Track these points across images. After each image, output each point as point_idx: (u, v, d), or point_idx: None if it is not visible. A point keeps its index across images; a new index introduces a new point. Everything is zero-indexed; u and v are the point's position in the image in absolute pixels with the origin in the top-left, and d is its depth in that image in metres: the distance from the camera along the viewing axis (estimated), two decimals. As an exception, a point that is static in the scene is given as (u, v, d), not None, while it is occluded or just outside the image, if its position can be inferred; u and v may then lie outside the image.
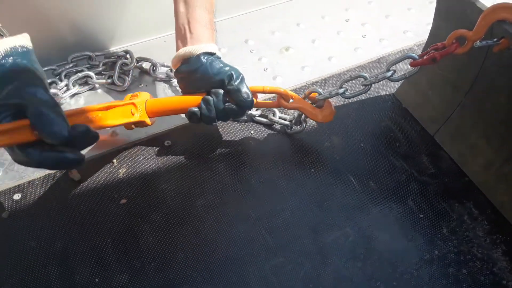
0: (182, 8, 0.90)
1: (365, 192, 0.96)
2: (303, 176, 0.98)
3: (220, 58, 0.91)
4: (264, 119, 1.07)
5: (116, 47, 1.24)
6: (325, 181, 0.98)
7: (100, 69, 1.15)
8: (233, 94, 0.86)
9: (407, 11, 1.41)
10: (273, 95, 1.09)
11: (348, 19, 1.38)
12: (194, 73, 0.87)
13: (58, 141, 0.63)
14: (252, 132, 1.06)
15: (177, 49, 0.91)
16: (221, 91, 0.86)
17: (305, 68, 1.22)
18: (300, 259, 0.86)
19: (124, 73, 1.16)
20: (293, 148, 1.04)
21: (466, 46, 0.82)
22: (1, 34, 0.75)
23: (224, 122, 1.07)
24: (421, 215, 0.92)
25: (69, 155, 0.65)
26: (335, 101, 1.12)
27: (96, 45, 1.21)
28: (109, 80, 1.14)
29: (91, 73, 1.13)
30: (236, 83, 0.85)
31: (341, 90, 0.92)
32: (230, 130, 1.06)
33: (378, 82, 0.88)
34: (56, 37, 1.15)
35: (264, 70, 1.21)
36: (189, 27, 0.89)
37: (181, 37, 0.90)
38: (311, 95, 0.95)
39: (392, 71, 0.87)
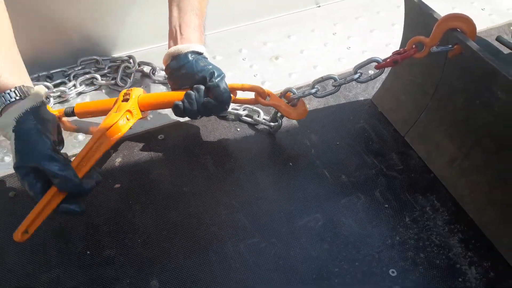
0: (175, 12, 1.02)
1: (337, 184, 1.05)
2: (282, 169, 1.08)
3: (206, 58, 1.01)
4: (249, 119, 1.17)
5: (121, 53, 1.37)
6: (301, 174, 1.07)
7: (106, 71, 1.28)
8: (212, 89, 0.96)
9: (391, 26, 1.52)
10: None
11: (335, 33, 1.49)
12: (181, 69, 0.98)
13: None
14: (238, 129, 1.17)
15: (169, 47, 1.02)
16: (202, 87, 0.97)
17: (292, 75, 1.33)
18: (273, 239, 0.95)
19: (126, 76, 1.28)
20: (274, 145, 1.14)
21: (424, 51, 0.92)
22: (22, 97, 0.84)
23: (214, 120, 1.18)
24: (386, 205, 1.01)
25: (73, 207, 0.83)
26: (316, 104, 1.23)
27: (103, 51, 1.34)
28: (113, 81, 1.26)
29: (97, 75, 1.26)
30: (216, 80, 0.95)
31: (313, 90, 1.02)
32: (218, 127, 1.17)
33: (347, 83, 0.98)
34: (68, 43, 1.28)
35: (254, 76, 1.33)
36: (180, 30, 1.00)
37: (173, 38, 1.02)
38: (286, 94, 1.05)
39: (359, 74, 0.97)
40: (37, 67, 1.24)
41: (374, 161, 1.09)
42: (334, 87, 1.01)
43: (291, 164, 1.09)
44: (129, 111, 0.97)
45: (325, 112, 1.21)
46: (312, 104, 1.23)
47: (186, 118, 1.13)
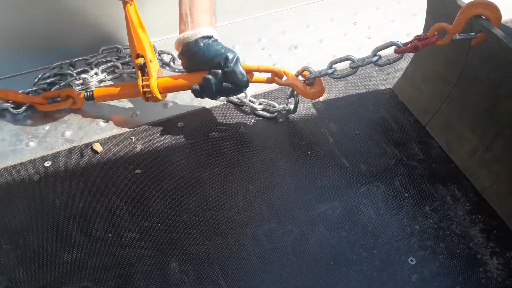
0: None
1: (356, 173, 1.04)
2: (300, 157, 1.08)
3: (217, 40, 1.01)
4: (265, 113, 1.17)
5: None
6: (320, 162, 1.07)
7: (127, 60, 1.30)
8: (229, 75, 0.97)
9: (412, 16, 1.50)
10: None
11: (356, 22, 1.48)
12: (194, 56, 0.99)
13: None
14: (252, 120, 1.17)
15: (180, 32, 1.02)
16: (220, 72, 0.97)
17: (311, 63, 1.32)
18: (290, 226, 0.95)
19: (147, 64, 1.29)
20: (292, 133, 1.14)
21: (446, 38, 0.91)
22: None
23: (233, 108, 1.19)
24: (406, 195, 1.00)
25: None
26: (335, 93, 1.22)
27: (125, 40, 1.35)
28: (133, 70, 1.28)
29: (118, 63, 1.28)
30: (231, 65, 0.96)
31: (330, 70, 1.01)
32: (237, 116, 1.18)
33: (365, 65, 0.97)
34: (90, 31, 1.30)
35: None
36: (190, 13, 1.00)
37: (183, 22, 1.01)
38: (303, 73, 1.05)
39: (378, 56, 0.96)
40: (60, 55, 1.27)
41: (394, 150, 1.08)
42: (351, 69, 1.00)
43: (309, 152, 1.09)
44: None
45: (344, 101, 1.21)
46: (331, 93, 1.22)
47: (204, 105, 1.16)
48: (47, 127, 1.15)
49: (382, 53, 0.97)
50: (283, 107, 1.16)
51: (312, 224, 0.95)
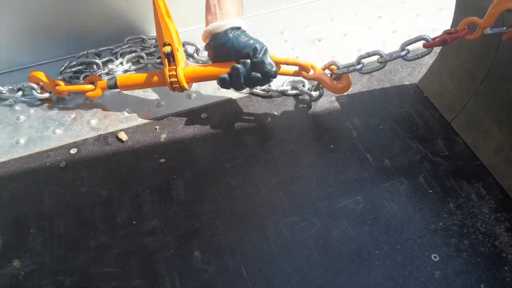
0: None
1: (379, 168, 1.04)
2: (322, 151, 1.08)
3: (245, 31, 1.01)
4: (293, 91, 1.18)
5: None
6: (343, 156, 1.06)
7: (151, 50, 1.31)
8: (258, 65, 0.97)
9: (438, 11, 1.47)
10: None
11: (380, 16, 1.46)
12: (222, 47, 1.00)
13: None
14: (275, 113, 1.17)
15: (206, 24, 1.02)
16: (248, 61, 0.98)
17: (335, 57, 1.30)
18: (312, 219, 0.95)
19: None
20: (315, 126, 1.14)
21: (476, 32, 0.89)
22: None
23: (255, 101, 1.19)
24: (430, 191, 0.99)
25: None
26: (359, 87, 1.21)
27: (149, 30, 1.37)
28: (158, 60, 1.29)
29: (143, 54, 1.29)
30: (260, 55, 0.97)
31: (359, 66, 1.00)
32: (260, 108, 1.18)
33: (393, 60, 0.96)
34: (115, 21, 1.31)
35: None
36: (219, 4, 1.00)
37: (211, 13, 1.01)
38: (330, 67, 1.05)
39: (406, 51, 0.95)
40: (86, 44, 1.29)
41: (418, 146, 1.07)
42: (379, 64, 0.99)
43: (332, 146, 1.09)
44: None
45: (368, 95, 1.20)
46: (355, 87, 1.21)
47: (227, 97, 1.17)
48: (73, 115, 1.17)
49: (410, 47, 0.96)
50: (307, 90, 1.17)
51: (335, 217, 0.95)
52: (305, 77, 1.06)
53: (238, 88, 1.03)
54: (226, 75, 1.00)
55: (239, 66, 0.98)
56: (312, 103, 1.18)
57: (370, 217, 0.95)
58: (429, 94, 1.18)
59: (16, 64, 1.29)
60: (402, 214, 0.95)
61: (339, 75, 1.04)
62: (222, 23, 0.99)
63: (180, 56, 1.06)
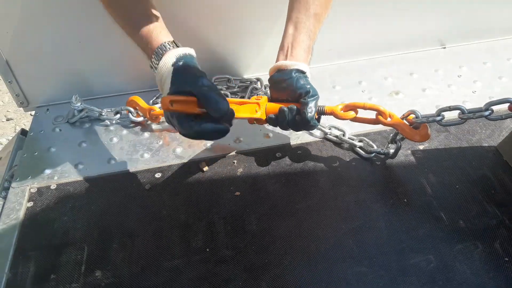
0: (290, 30, 1.10)
1: (454, 228, 1.02)
2: (395, 204, 1.08)
3: (307, 77, 1.08)
4: (363, 152, 1.20)
5: (251, 75, 1.49)
6: (416, 212, 1.06)
7: (235, 89, 1.40)
8: (302, 106, 1.03)
9: (522, 74, 1.46)
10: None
11: (461, 75, 1.47)
12: (283, 82, 1.06)
13: (220, 115, 0.88)
14: (347, 160, 1.20)
15: (277, 60, 1.10)
16: (295, 107, 1.05)
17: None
18: (381, 272, 0.95)
19: (253, 96, 1.39)
20: (389, 178, 1.15)
21: None
22: (177, 45, 1.02)
23: (329, 146, 1.23)
24: (506, 259, 0.96)
25: (223, 126, 0.91)
26: (436, 144, 1.22)
27: (236, 71, 1.47)
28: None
29: (228, 92, 1.38)
30: (308, 99, 1.03)
31: (438, 118, 1.01)
32: (333, 153, 1.22)
33: (475, 118, 0.96)
34: (206, 60, 1.42)
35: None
36: (292, 47, 1.08)
37: (284, 53, 1.09)
38: (408, 116, 1.06)
39: (490, 111, 0.95)
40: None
41: (496, 210, 1.05)
42: (460, 119, 1.00)
43: (405, 200, 1.09)
44: (258, 104, 1.09)
45: (445, 153, 1.20)
46: (432, 143, 1.22)
47: (302, 139, 1.26)
48: (161, 142, 1.27)
49: (494, 108, 0.96)
50: (381, 149, 1.18)
51: (404, 273, 0.95)
52: (383, 123, 1.08)
53: (284, 129, 1.09)
54: (274, 116, 1.07)
55: (285, 109, 1.05)
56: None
57: (441, 278, 0.94)
58: (509, 158, 1.16)
59: (115, 90, 1.43)
60: (475, 279, 0.93)
61: (417, 125, 1.06)
62: (291, 63, 1.07)
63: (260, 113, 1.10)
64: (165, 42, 1.00)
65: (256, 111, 1.09)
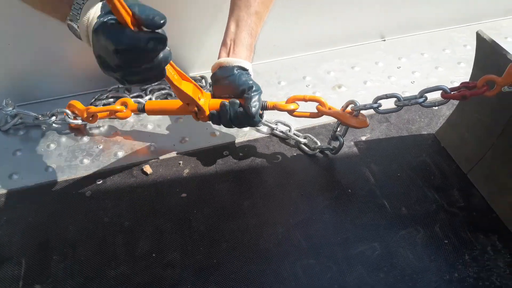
0: (232, 28, 1.10)
1: (396, 215, 1.05)
2: (340, 195, 1.10)
3: (250, 75, 1.08)
4: (306, 148, 1.21)
5: (195, 73, 1.47)
6: (360, 201, 1.09)
7: (179, 88, 1.37)
8: (245, 101, 1.03)
9: (457, 64, 1.52)
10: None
11: (400, 67, 1.52)
12: (224, 79, 1.06)
13: (157, 26, 0.72)
14: (294, 154, 1.21)
15: (219, 57, 1.10)
16: (237, 101, 1.05)
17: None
18: (329, 263, 0.96)
19: (197, 93, 1.37)
20: (333, 170, 1.17)
21: (494, 90, 0.93)
22: None
23: (276, 142, 1.23)
24: (446, 241, 1.00)
25: (162, 33, 0.73)
26: (377, 134, 1.25)
27: (182, 69, 1.43)
28: (184, 98, 1.35)
29: (172, 92, 1.35)
30: (251, 94, 1.03)
31: (375, 105, 1.04)
32: (280, 149, 1.22)
33: (410, 105, 1.00)
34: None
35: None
36: (234, 44, 1.09)
37: (226, 50, 1.10)
38: (347, 107, 1.09)
39: (424, 98, 0.99)
40: (118, 79, 1.35)
41: (435, 196, 1.09)
42: (396, 106, 1.03)
43: (349, 190, 1.11)
44: (201, 91, 1.08)
45: (386, 143, 1.23)
46: (373, 134, 1.25)
47: (248, 136, 1.24)
48: (101, 146, 1.22)
49: (428, 96, 1.00)
50: (324, 145, 1.19)
51: (351, 263, 0.96)
52: (324, 112, 1.10)
53: (227, 126, 1.08)
54: (215, 111, 1.06)
55: (226, 103, 1.05)
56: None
57: (386, 264, 0.96)
58: (446, 145, 1.21)
59: (53, 94, 1.37)
60: (418, 263, 0.96)
61: (356, 113, 1.08)
62: (233, 60, 1.07)
63: (204, 101, 1.08)
64: None
65: (199, 98, 1.06)
